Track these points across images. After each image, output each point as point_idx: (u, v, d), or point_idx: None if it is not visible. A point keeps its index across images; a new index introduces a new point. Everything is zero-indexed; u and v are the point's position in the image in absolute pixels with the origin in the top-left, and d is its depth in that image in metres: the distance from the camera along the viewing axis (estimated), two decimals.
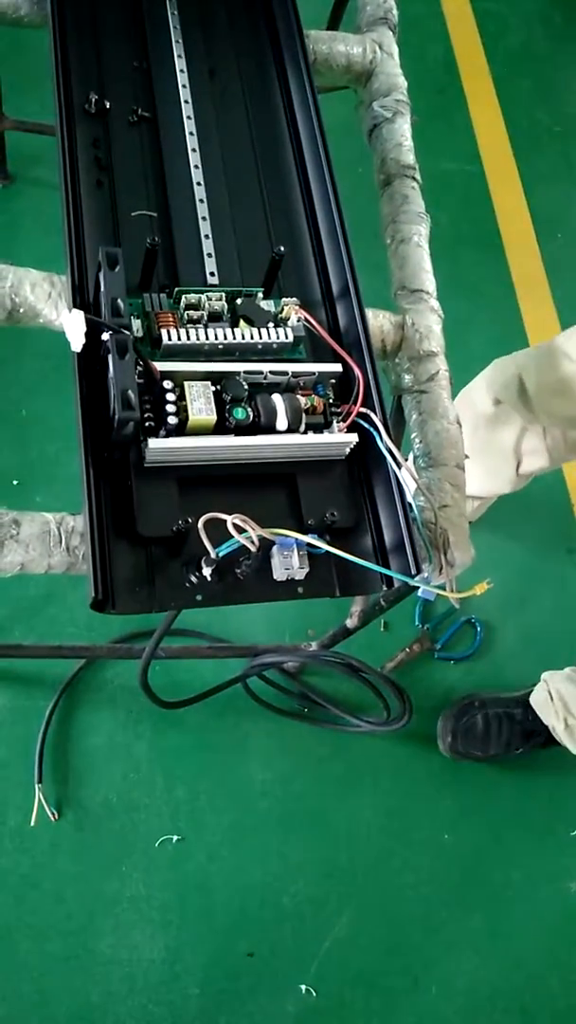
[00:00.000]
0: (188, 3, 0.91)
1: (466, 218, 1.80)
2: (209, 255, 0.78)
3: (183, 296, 0.72)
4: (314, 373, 0.71)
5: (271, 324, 0.73)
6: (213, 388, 0.67)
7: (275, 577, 0.67)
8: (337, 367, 0.73)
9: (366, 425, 0.71)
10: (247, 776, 1.26)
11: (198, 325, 0.71)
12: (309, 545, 0.66)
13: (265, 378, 0.69)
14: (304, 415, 0.69)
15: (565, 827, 1.32)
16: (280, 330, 0.72)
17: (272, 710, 1.27)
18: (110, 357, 0.63)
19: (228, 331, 0.71)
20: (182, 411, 0.66)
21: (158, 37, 0.88)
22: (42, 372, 1.44)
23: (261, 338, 0.71)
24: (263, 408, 0.68)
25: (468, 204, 1.83)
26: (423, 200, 0.91)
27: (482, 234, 1.80)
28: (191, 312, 0.71)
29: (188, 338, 0.69)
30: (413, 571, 0.66)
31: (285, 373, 0.70)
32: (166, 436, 0.65)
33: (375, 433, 0.70)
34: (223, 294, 0.73)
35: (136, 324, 0.70)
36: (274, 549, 0.66)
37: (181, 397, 0.66)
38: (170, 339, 0.69)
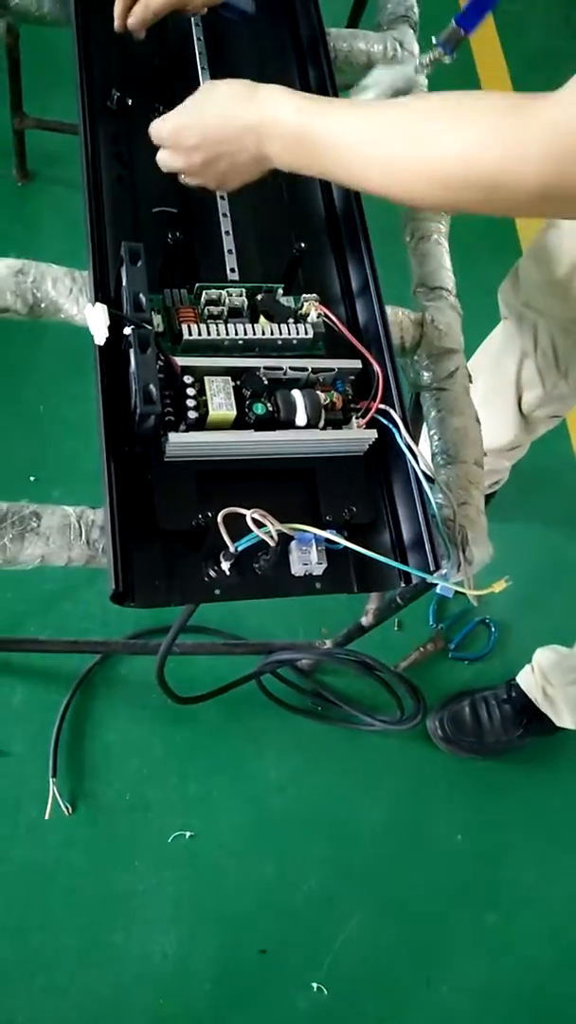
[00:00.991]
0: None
1: (484, 216, 1.79)
2: (229, 251, 0.78)
3: (204, 292, 0.72)
4: (333, 369, 0.71)
5: (291, 320, 0.73)
6: (233, 383, 0.67)
7: (293, 572, 0.67)
8: (356, 363, 0.73)
9: (385, 422, 0.71)
10: (260, 773, 1.26)
11: (218, 321, 0.71)
12: (328, 541, 0.66)
13: (285, 374, 0.70)
14: (323, 411, 0.69)
15: None
16: (300, 326, 0.72)
17: (286, 708, 1.27)
18: (132, 351, 0.63)
19: (248, 327, 0.71)
20: (202, 406, 0.66)
21: (180, 34, 0.88)
22: (60, 369, 1.45)
23: (281, 334, 0.72)
24: (283, 403, 0.68)
25: None
26: None
27: (499, 233, 1.79)
28: (211, 308, 0.72)
29: (208, 333, 0.70)
30: (432, 568, 0.66)
31: (305, 369, 0.70)
32: (186, 430, 0.66)
33: (394, 430, 0.70)
34: (243, 290, 0.73)
35: (157, 319, 0.70)
36: (292, 544, 0.66)
37: (201, 392, 0.66)
38: (191, 334, 0.69)
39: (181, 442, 0.65)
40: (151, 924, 1.15)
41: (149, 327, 0.65)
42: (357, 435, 0.70)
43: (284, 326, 0.72)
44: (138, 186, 0.80)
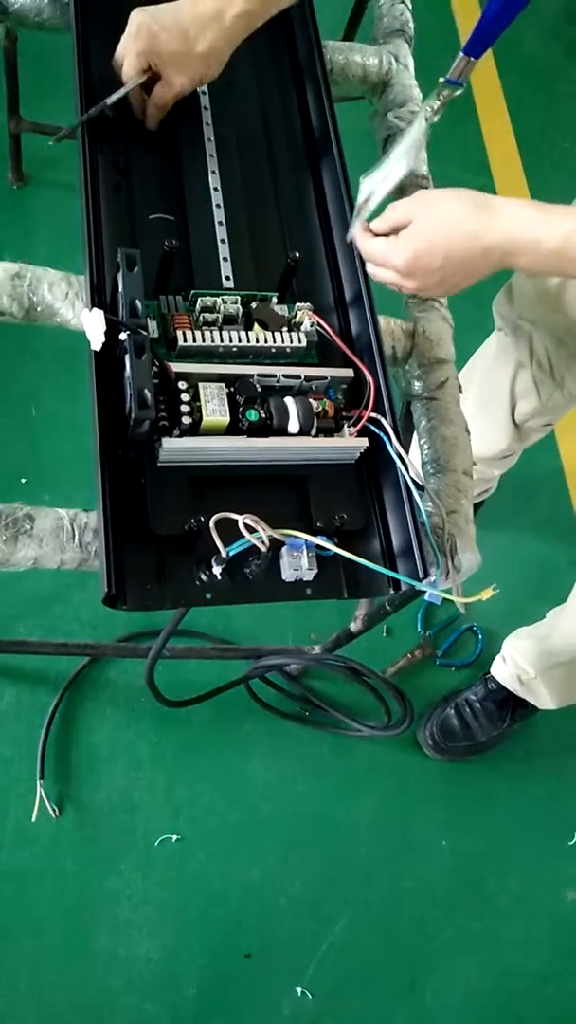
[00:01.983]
0: None
1: None
2: (225, 259, 0.79)
3: (199, 299, 0.73)
4: (326, 377, 0.72)
5: (285, 328, 0.74)
6: (227, 390, 0.68)
7: (284, 578, 0.68)
8: (349, 372, 0.74)
9: (376, 430, 0.72)
10: (248, 777, 1.26)
11: (213, 328, 0.72)
12: (318, 547, 0.67)
13: (278, 381, 0.71)
14: (316, 419, 0.70)
15: (563, 835, 1.33)
16: (293, 334, 0.73)
17: (274, 712, 1.28)
18: (127, 356, 0.64)
19: (242, 334, 0.72)
20: (196, 411, 0.67)
21: None
22: (52, 373, 1.45)
23: (275, 342, 0.73)
24: (275, 410, 0.69)
25: None
26: None
27: None
28: (206, 315, 0.73)
29: (203, 340, 0.70)
30: (421, 575, 0.67)
31: (298, 377, 0.71)
32: (180, 436, 0.66)
33: (385, 438, 0.71)
34: (238, 298, 0.74)
35: (152, 326, 0.71)
36: (283, 550, 0.67)
37: (195, 398, 0.67)
38: (185, 341, 0.70)
39: (174, 447, 0.65)
40: (137, 927, 1.15)
41: (145, 333, 0.66)
42: (348, 443, 0.71)
43: (278, 334, 0.73)
44: (135, 194, 0.80)
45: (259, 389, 0.69)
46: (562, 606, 1.22)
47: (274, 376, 0.70)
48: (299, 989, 1.16)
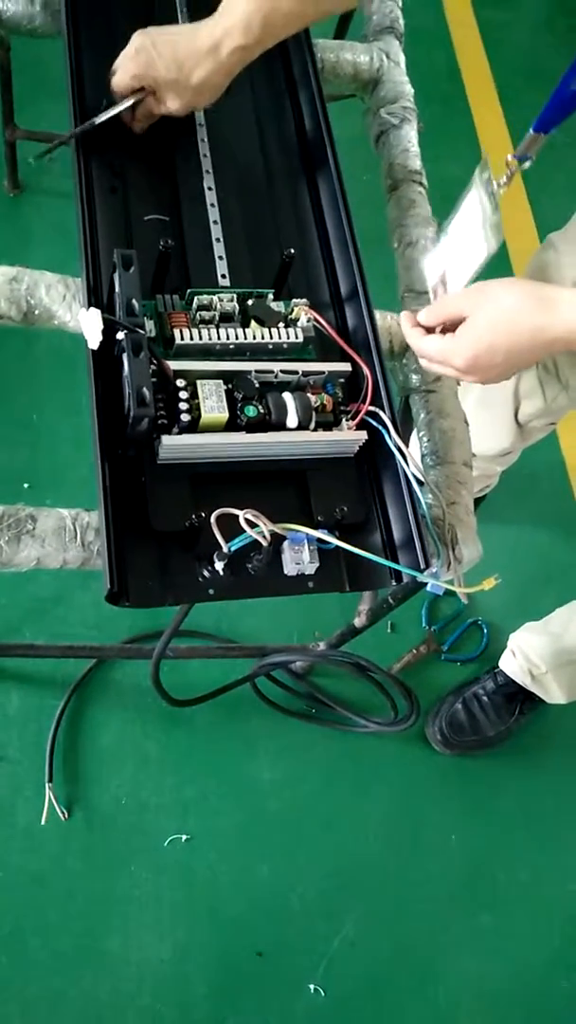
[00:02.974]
0: (199, 13, 0.93)
1: None
2: (220, 257, 0.79)
3: (195, 297, 0.73)
4: (324, 372, 0.73)
5: (281, 324, 0.74)
6: (225, 387, 0.68)
7: (286, 572, 0.68)
8: (346, 366, 0.74)
9: (375, 423, 0.72)
10: (255, 776, 1.26)
11: (210, 325, 0.72)
12: (319, 540, 0.67)
13: (276, 377, 0.71)
14: (314, 413, 0.70)
15: (573, 828, 1.33)
16: (290, 330, 0.74)
17: (280, 710, 1.28)
18: (125, 356, 0.64)
19: (239, 331, 0.72)
20: (195, 409, 0.67)
21: None
22: (53, 378, 1.45)
23: (272, 338, 0.73)
24: (274, 406, 0.69)
25: None
26: (429, 205, 0.93)
27: None
28: (203, 313, 0.73)
29: (200, 338, 0.71)
30: (422, 566, 0.67)
31: (295, 372, 0.71)
32: (179, 433, 0.67)
33: (384, 431, 0.71)
34: (234, 295, 0.74)
35: (149, 325, 0.71)
36: (285, 544, 0.67)
37: (194, 395, 0.67)
38: (182, 339, 0.70)
39: (174, 445, 0.66)
40: (148, 928, 1.15)
41: (142, 331, 0.66)
42: (347, 437, 0.71)
43: (275, 330, 0.73)
44: (130, 195, 0.81)
45: (257, 385, 0.70)
46: (574, 603, 1.22)
47: (272, 372, 0.71)
48: (312, 986, 1.16)
